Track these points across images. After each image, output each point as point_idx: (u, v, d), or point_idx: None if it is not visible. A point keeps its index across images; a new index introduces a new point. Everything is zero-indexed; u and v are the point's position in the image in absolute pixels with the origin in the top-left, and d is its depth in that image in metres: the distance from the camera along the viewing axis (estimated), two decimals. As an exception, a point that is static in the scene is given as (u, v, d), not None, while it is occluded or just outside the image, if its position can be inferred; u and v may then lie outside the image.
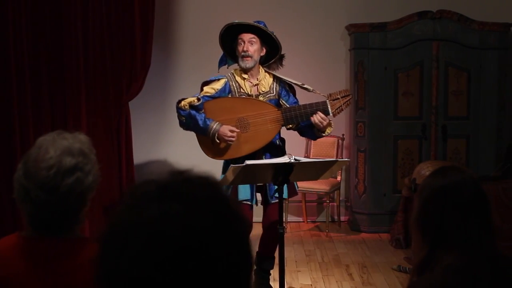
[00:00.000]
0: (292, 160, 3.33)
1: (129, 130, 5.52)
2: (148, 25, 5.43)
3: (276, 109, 3.87)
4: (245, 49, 3.85)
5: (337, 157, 6.04)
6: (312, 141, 6.18)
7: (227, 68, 4.08)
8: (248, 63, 3.87)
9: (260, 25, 3.88)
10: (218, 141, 3.82)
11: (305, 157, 6.15)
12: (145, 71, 5.45)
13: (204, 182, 0.82)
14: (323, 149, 6.14)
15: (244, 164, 3.33)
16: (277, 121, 3.86)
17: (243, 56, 3.87)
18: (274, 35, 3.91)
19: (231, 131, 3.81)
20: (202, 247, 0.75)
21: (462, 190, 1.73)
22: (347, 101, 3.89)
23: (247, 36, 3.87)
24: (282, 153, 3.92)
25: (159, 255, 0.74)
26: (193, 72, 5.91)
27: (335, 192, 6.01)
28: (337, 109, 3.87)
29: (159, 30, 5.91)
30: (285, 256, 5.11)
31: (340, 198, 6.15)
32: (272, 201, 3.89)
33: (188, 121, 3.84)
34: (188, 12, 6.15)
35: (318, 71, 6.07)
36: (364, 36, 5.80)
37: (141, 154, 6.11)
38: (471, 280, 1.66)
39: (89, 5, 5.27)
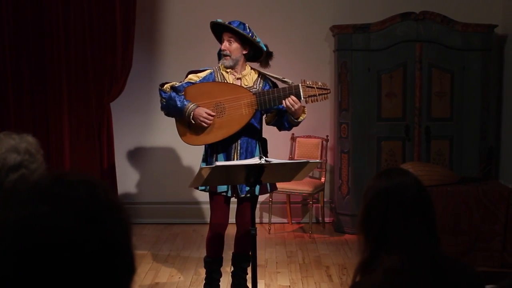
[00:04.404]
0: (263, 161, 3.33)
1: (111, 131, 5.52)
2: (129, 25, 5.44)
3: (251, 94, 3.89)
4: (223, 48, 3.96)
5: (321, 158, 6.05)
6: (297, 142, 6.19)
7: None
8: (226, 62, 3.96)
9: (232, 25, 3.90)
10: (193, 121, 3.84)
11: (289, 158, 6.16)
12: (127, 72, 5.45)
13: (79, 183, 0.82)
14: (308, 150, 6.14)
15: (214, 165, 3.35)
16: (251, 105, 3.87)
17: (223, 55, 3.97)
18: (251, 34, 3.94)
19: (207, 113, 3.85)
20: (68, 248, 0.75)
21: (404, 191, 1.74)
22: (323, 94, 3.89)
23: (226, 35, 3.95)
24: (261, 144, 4.00)
25: (22, 256, 0.74)
26: (177, 74, 5.89)
27: (319, 193, 6.01)
28: (310, 96, 3.86)
29: (142, 32, 5.91)
30: (266, 257, 5.16)
31: (325, 200, 6.14)
32: (242, 195, 3.93)
33: (168, 103, 3.89)
34: (172, 14, 6.14)
35: (303, 72, 6.03)
36: (347, 37, 5.80)
37: (123, 156, 6.11)
38: (412, 281, 1.66)
39: (70, 5, 5.29)
